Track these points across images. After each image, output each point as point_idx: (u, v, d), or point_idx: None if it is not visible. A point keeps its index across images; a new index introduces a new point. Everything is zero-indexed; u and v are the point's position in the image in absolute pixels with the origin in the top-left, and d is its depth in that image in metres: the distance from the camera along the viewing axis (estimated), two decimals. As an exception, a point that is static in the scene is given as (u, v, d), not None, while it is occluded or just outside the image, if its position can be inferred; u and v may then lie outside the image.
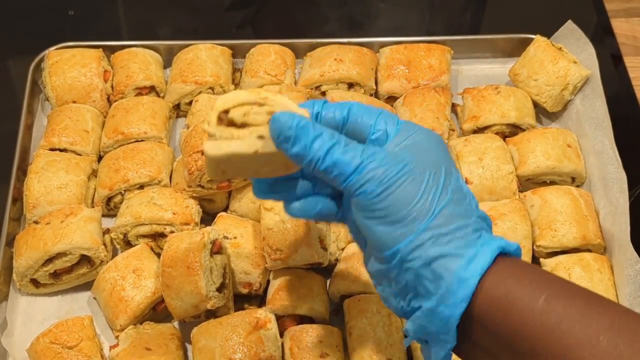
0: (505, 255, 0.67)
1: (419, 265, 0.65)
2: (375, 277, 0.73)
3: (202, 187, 1.10)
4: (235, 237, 1.08)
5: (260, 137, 0.68)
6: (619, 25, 1.48)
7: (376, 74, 1.32)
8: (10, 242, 1.11)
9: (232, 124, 0.68)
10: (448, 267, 0.64)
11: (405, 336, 0.71)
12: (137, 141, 1.21)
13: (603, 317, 0.61)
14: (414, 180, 0.66)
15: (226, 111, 0.68)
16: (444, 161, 0.69)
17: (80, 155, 1.20)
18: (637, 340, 0.59)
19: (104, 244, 1.09)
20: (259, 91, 0.69)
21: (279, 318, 1.03)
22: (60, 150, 1.20)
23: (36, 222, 1.09)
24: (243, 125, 0.68)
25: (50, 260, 1.06)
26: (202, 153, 0.79)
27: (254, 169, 0.73)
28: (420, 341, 0.70)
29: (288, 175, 0.75)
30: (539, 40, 1.30)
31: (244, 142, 0.68)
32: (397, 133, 0.71)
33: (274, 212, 1.03)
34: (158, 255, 1.08)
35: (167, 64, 1.35)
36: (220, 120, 0.68)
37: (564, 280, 0.66)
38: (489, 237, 0.67)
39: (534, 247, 1.12)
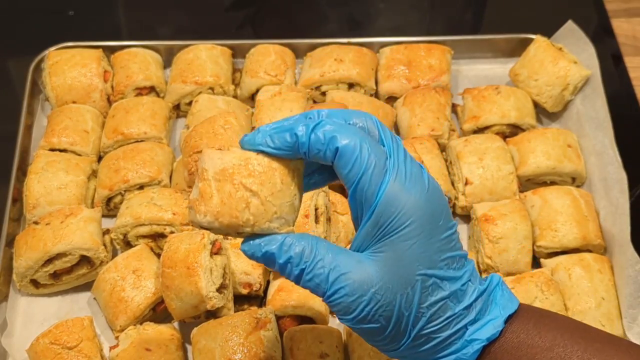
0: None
1: None
2: None
3: (202, 187, 1.10)
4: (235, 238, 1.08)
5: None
6: (619, 26, 1.47)
7: (376, 74, 1.32)
8: (10, 243, 1.11)
9: None
10: None
11: None
12: (137, 141, 1.21)
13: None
14: (384, 311, 0.66)
15: None
16: (421, 252, 0.66)
17: (80, 155, 1.20)
18: None
19: (104, 245, 1.09)
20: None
21: (279, 318, 1.03)
22: (60, 150, 1.20)
23: (36, 223, 1.08)
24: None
25: (50, 260, 1.06)
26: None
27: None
28: None
29: None
30: (539, 40, 1.30)
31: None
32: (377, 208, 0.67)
33: (274, 213, 1.02)
34: (158, 255, 1.08)
35: (167, 64, 1.35)
36: None
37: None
38: (477, 327, 0.68)
39: (534, 247, 1.12)
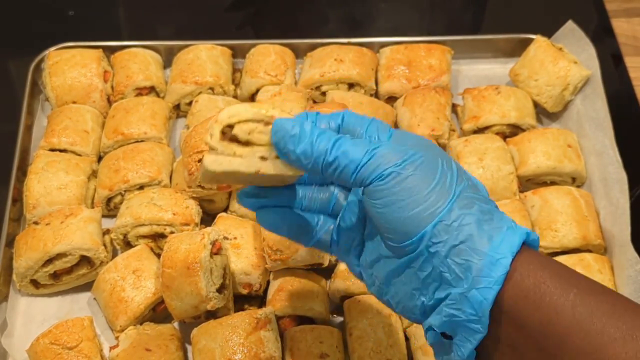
0: (528, 246, 0.65)
1: (447, 248, 0.63)
2: (387, 280, 0.70)
3: (202, 187, 1.10)
4: (235, 238, 1.08)
5: (263, 157, 0.67)
6: (619, 26, 1.47)
7: (376, 74, 1.32)
8: (10, 243, 1.11)
9: (235, 139, 0.67)
10: (478, 249, 0.62)
11: (428, 331, 0.67)
12: (137, 142, 1.21)
13: (635, 315, 0.60)
14: (428, 164, 0.64)
15: (230, 126, 0.66)
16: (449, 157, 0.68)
17: (80, 155, 1.20)
18: None
19: (104, 245, 1.09)
20: (267, 108, 0.68)
21: (279, 319, 1.03)
22: (60, 150, 1.20)
23: (36, 223, 1.08)
24: (246, 143, 0.67)
25: (50, 261, 1.06)
26: (200, 161, 0.77)
27: (250, 182, 0.73)
28: (437, 343, 0.67)
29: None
30: (539, 40, 1.30)
31: (246, 161, 0.67)
32: (390, 139, 0.69)
33: (274, 213, 1.02)
34: (158, 255, 1.08)
35: (167, 64, 1.35)
36: (223, 134, 0.67)
37: (590, 278, 0.65)
38: (512, 223, 0.65)
39: (535, 247, 1.12)
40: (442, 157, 0.66)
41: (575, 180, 1.21)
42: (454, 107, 1.30)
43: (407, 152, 0.65)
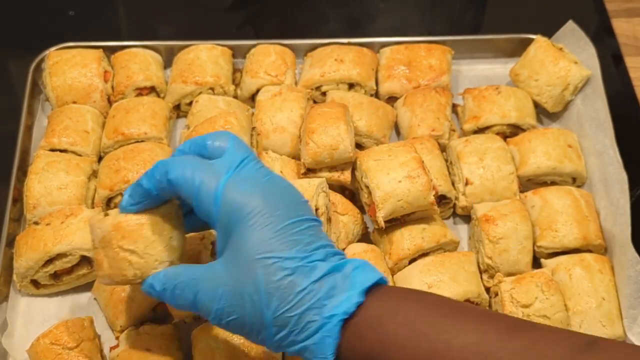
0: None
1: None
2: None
3: (203, 187, 1.10)
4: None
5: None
6: (619, 26, 1.47)
7: (377, 74, 1.32)
8: (10, 243, 1.11)
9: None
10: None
11: None
12: (138, 142, 1.20)
13: (457, 313, 0.70)
14: (237, 300, 0.74)
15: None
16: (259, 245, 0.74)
17: (80, 155, 1.20)
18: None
19: (104, 245, 1.09)
20: None
21: (279, 319, 1.03)
22: (61, 150, 1.20)
23: (36, 223, 1.08)
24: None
25: (50, 261, 1.06)
26: None
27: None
28: None
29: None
30: (539, 40, 1.30)
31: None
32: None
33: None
34: (158, 256, 1.08)
35: (167, 64, 1.35)
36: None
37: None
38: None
39: (535, 247, 1.12)
40: (247, 270, 0.75)
41: (576, 181, 1.21)
42: (454, 107, 1.30)
43: (216, 290, 0.77)
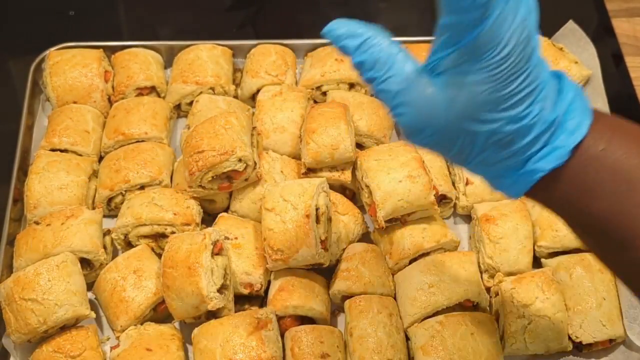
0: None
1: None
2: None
3: (203, 187, 1.10)
4: (236, 238, 1.08)
5: None
6: (619, 25, 1.47)
7: (377, 74, 1.32)
8: (11, 242, 1.11)
9: None
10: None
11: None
12: (138, 142, 1.20)
13: None
14: (447, 142, 0.66)
15: None
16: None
17: (81, 155, 1.20)
18: None
19: (104, 246, 1.09)
20: None
21: (279, 318, 1.03)
22: (61, 150, 1.20)
23: (37, 223, 1.08)
24: None
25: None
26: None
27: None
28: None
29: None
30: (539, 40, 1.30)
31: None
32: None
33: (275, 213, 1.03)
34: (159, 255, 1.08)
35: (167, 64, 1.35)
36: None
37: None
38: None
39: (535, 247, 1.12)
40: (469, 123, 0.64)
41: (576, 180, 1.21)
42: (454, 107, 1.30)
43: (428, 125, 0.65)
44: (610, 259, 0.68)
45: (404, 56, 0.66)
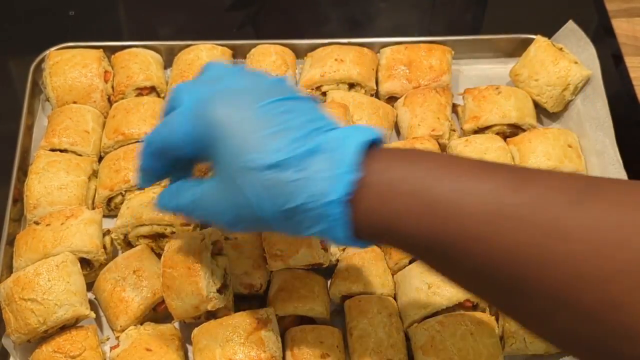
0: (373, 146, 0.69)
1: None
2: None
3: (203, 187, 1.10)
4: (235, 238, 1.08)
5: None
6: (619, 26, 1.47)
7: (377, 74, 1.32)
8: (11, 242, 1.11)
9: None
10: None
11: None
12: (138, 142, 1.20)
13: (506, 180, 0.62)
14: (242, 219, 0.74)
15: None
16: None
17: (80, 155, 1.20)
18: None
19: (104, 246, 1.09)
20: None
21: (279, 318, 1.03)
22: (61, 150, 1.20)
23: (37, 223, 1.08)
24: None
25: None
26: None
27: None
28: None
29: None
30: (539, 40, 1.30)
31: None
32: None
33: (275, 213, 1.02)
34: (159, 255, 1.08)
35: (167, 64, 1.35)
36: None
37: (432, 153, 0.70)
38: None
39: (535, 247, 1.12)
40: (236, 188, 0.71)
41: (576, 180, 1.21)
42: (454, 107, 1.30)
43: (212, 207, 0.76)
44: (446, 274, 0.69)
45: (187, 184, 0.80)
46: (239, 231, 0.80)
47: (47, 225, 1.07)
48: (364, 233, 0.68)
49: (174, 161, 0.81)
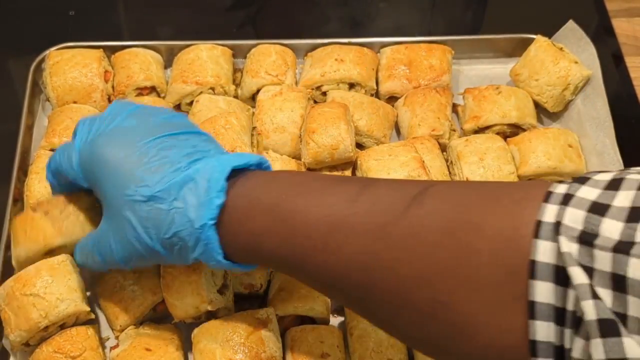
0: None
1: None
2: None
3: (203, 187, 1.10)
4: (236, 238, 1.08)
5: None
6: (620, 25, 1.47)
7: (377, 74, 1.32)
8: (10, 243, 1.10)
9: None
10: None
11: None
12: (138, 141, 1.20)
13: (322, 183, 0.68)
14: (133, 255, 0.81)
15: None
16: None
17: (80, 155, 1.20)
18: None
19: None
20: None
21: (279, 318, 1.03)
22: (61, 150, 1.20)
23: (34, 210, 1.07)
24: None
25: (50, 254, 1.05)
26: None
27: None
28: None
29: None
30: (539, 40, 1.30)
31: None
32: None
33: (275, 213, 1.02)
34: (159, 255, 1.08)
35: (167, 64, 1.35)
36: None
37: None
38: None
39: (535, 247, 1.12)
40: (120, 222, 0.79)
41: (576, 180, 1.21)
42: (454, 107, 1.30)
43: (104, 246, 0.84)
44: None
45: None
46: (132, 267, 0.84)
47: (45, 213, 1.06)
48: (237, 255, 0.74)
49: (71, 183, 0.87)
